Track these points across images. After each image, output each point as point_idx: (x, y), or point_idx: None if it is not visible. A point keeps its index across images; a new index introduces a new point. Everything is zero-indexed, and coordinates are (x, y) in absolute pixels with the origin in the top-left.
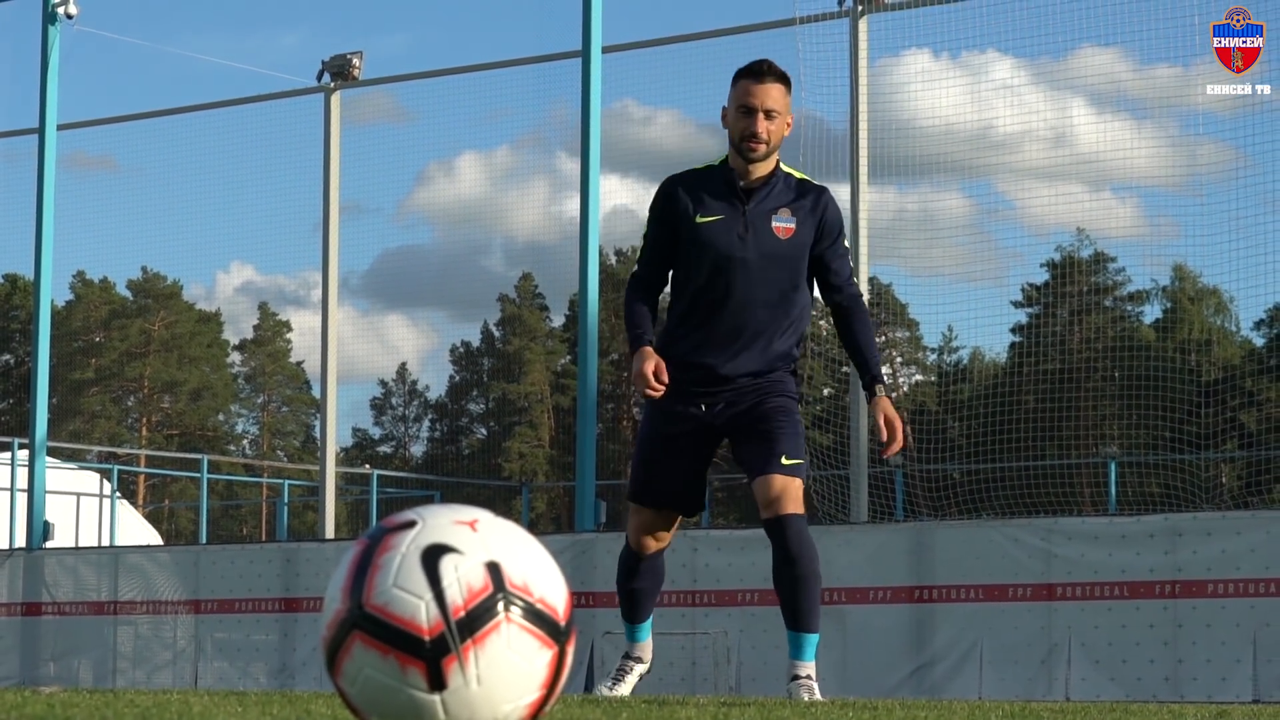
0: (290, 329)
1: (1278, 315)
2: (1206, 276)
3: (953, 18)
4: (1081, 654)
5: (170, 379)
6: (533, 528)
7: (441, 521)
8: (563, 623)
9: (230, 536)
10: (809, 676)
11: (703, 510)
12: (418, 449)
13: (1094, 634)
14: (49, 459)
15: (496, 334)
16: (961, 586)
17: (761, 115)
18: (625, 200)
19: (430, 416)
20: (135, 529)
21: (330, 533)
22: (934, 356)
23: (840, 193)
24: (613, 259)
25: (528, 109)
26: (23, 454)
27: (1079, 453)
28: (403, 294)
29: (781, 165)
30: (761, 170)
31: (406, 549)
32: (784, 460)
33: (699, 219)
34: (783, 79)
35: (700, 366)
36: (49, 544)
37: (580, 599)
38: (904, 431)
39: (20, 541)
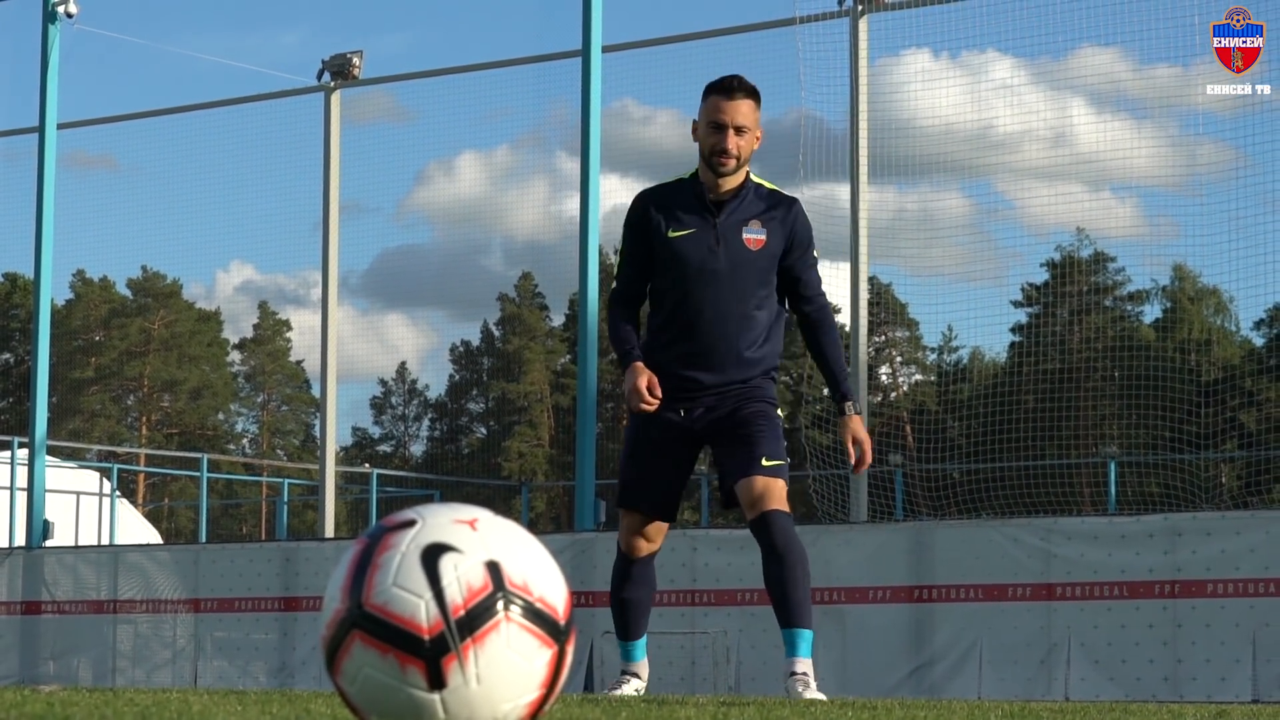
0: (290, 328)
1: (1277, 315)
2: (1206, 276)
3: (952, 17)
4: (1081, 654)
5: (170, 378)
6: (532, 527)
7: (441, 520)
8: (562, 622)
9: (230, 535)
10: (805, 673)
11: (675, 519)
12: (417, 448)
13: (1093, 634)
14: (49, 458)
15: (496, 333)
16: (961, 586)
17: (732, 131)
18: (625, 200)
19: (430, 416)
20: (135, 528)
21: (330, 532)
22: (934, 356)
23: (840, 192)
24: (612, 258)
25: (527, 108)
26: (22, 453)
27: (1079, 452)
28: (402, 293)
29: (751, 176)
30: (731, 183)
31: (406, 548)
32: (764, 462)
33: (671, 234)
34: (752, 94)
35: (680, 377)
36: (49, 543)
37: (580, 598)
38: (871, 452)
39: (20, 540)
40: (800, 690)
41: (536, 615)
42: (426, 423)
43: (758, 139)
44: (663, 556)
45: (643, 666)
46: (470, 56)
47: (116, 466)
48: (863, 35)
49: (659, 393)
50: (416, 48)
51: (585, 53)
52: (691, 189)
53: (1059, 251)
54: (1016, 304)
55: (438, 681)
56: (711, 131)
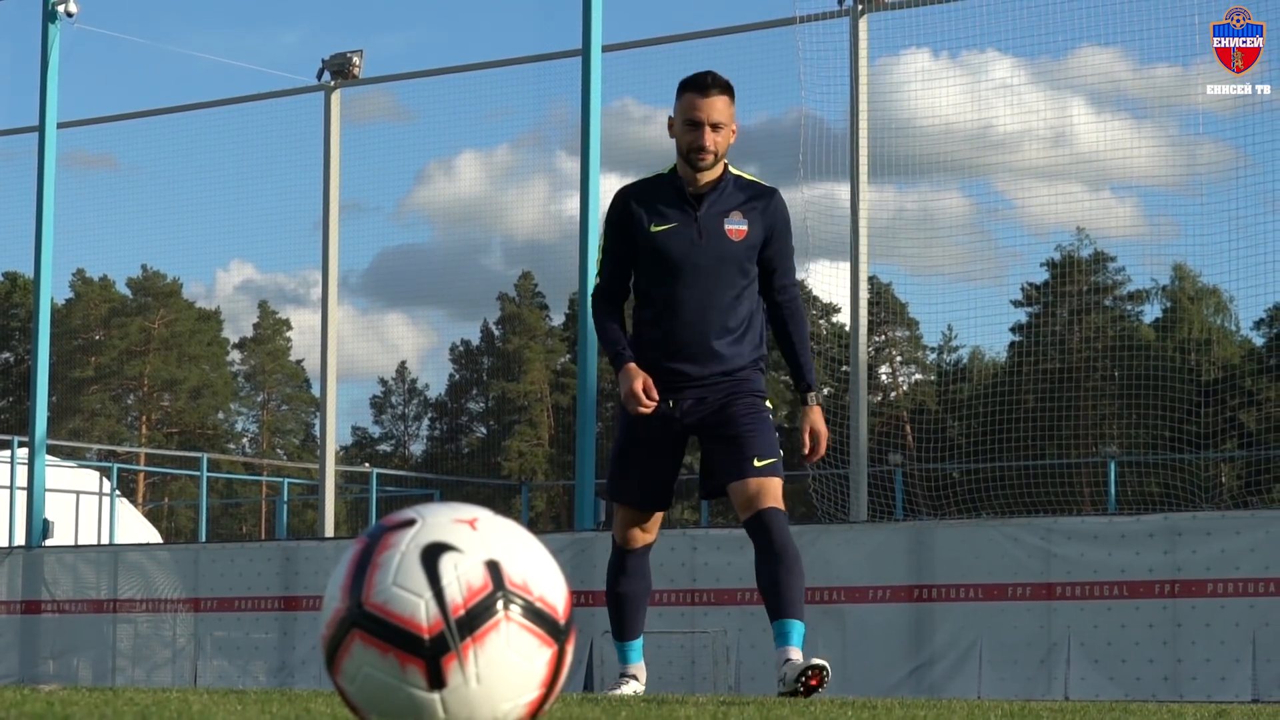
0: (290, 327)
1: (1277, 315)
2: (1206, 276)
3: (952, 17)
4: (1081, 653)
5: (170, 377)
6: (532, 526)
7: (441, 520)
8: (562, 621)
9: (230, 535)
10: (799, 660)
11: (670, 506)
12: (417, 447)
13: (1093, 633)
14: (49, 457)
15: (496, 333)
16: (961, 586)
17: (708, 128)
18: None
19: (430, 415)
20: (135, 527)
21: (330, 531)
22: (934, 356)
23: (840, 192)
24: None
25: (527, 108)
26: (22, 452)
27: (1078, 452)
28: (402, 292)
29: (730, 168)
30: (710, 175)
31: (406, 547)
32: (757, 463)
33: (653, 228)
34: (726, 90)
35: (667, 370)
36: (48, 542)
37: (580, 598)
38: (825, 446)
39: (20, 539)
40: (797, 666)
41: (536, 615)
42: (426, 422)
43: (733, 133)
44: (663, 556)
45: (640, 668)
46: (470, 56)
47: (116, 466)
48: (863, 35)
49: (655, 395)
50: (417, 47)
51: (585, 52)
52: (671, 183)
53: (1059, 251)
54: (1016, 304)
55: (437, 681)
56: (688, 129)
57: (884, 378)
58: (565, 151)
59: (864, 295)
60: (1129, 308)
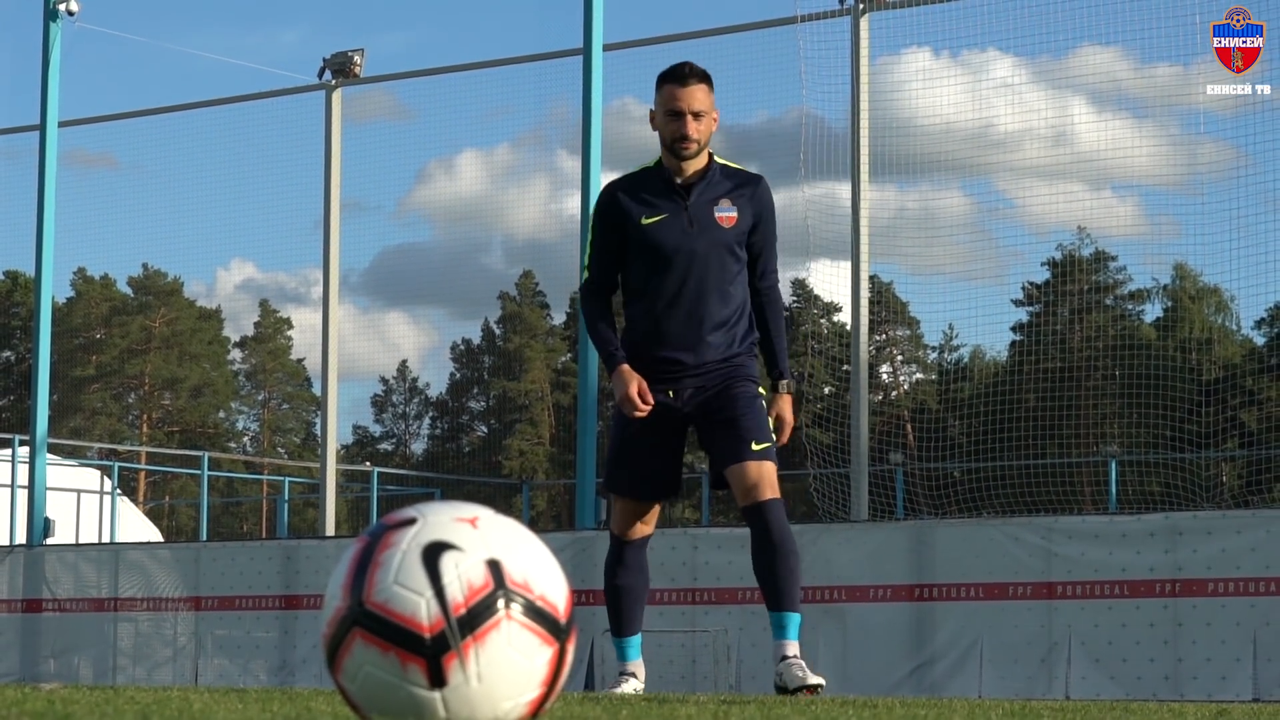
0: (291, 326)
1: (1278, 314)
2: (1207, 275)
3: (953, 16)
4: (1081, 652)
5: (171, 376)
6: (533, 525)
7: (442, 519)
8: (563, 620)
9: (231, 533)
10: (796, 656)
11: (679, 494)
12: (418, 446)
13: (1094, 632)
14: (49, 456)
15: (497, 331)
16: (962, 585)
17: (690, 117)
18: None
19: (431, 414)
20: (136, 526)
21: (331, 530)
22: (934, 355)
23: (841, 191)
24: None
25: (528, 107)
26: (23, 451)
27: (1079, 451)
28: (403, 291)
29: (716, 158)
30: (696, 165)
31: (407, 546)
32: (754, 446)
33: (644, 220)
34: (705, 79)
35: (664, 360)
36: (49, 541)
37: (581, 597)
38: (797, 427)
39: (21, 538)
40: (796, 673)
41: (537, 613)
42: (427, 421)
43: (715, 121)
44: (664, 555)
45: (639, 666)
46: (471, 55)
47: (117, 464)
48: (864, 34)
49: (650, 399)
50: (417, 46)
51: (586, 51)
52: (659, 175)
53: (1060, 250)
54: (1017, 303)
55: (438, 679)
56: (670, 119)
57: (885, 377)
58: (566, 150)
59: (865, 294)
60: (1130, 307)
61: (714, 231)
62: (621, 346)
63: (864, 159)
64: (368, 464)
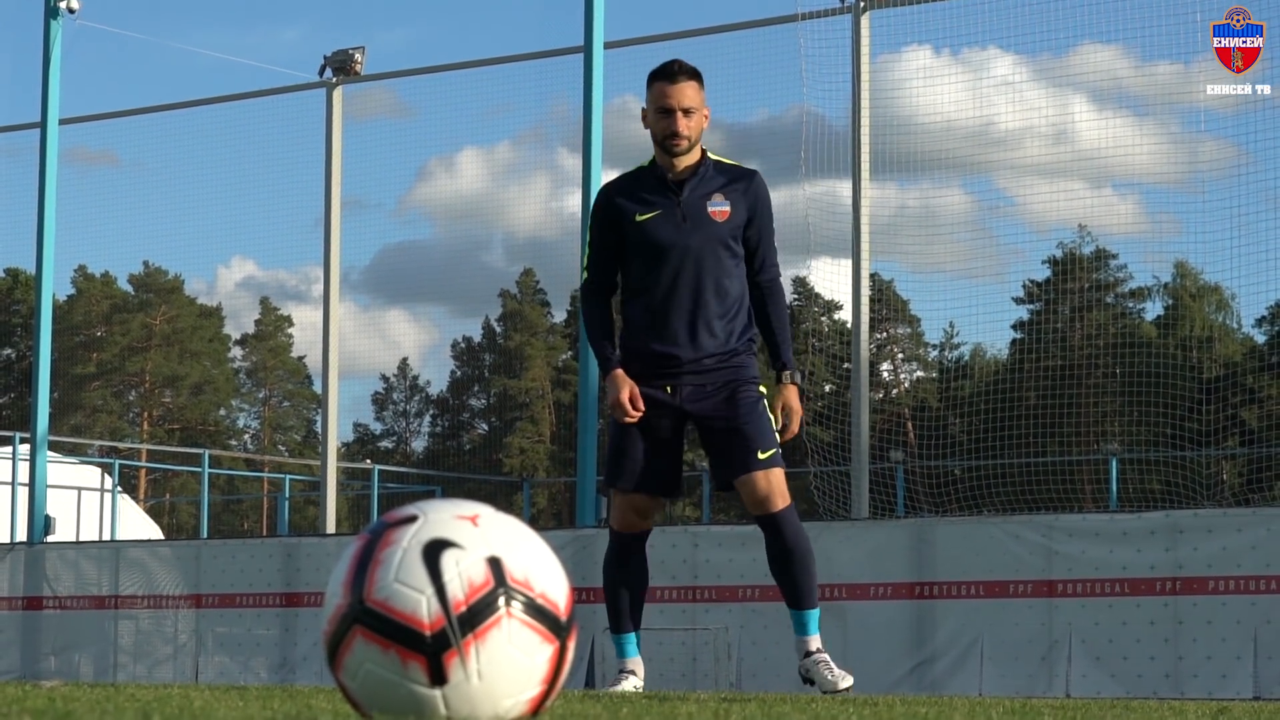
0: (291, 324)
1: (1279, 312)
2: (1208, 273)
3: (954, 14)
4: (1082, 651)
5: (171, 373)
6: (534, 523)
7: (443, 516)
8: (564, 618)
9: (231, 531)
10: (820, 649)
11: (680, 492)
12: (419, 444)
13: (1095, 631)
14: (50, 453)
15: (498, 329)
16: (962, 583)
17: (680, 114)
18: None
19: (431, 412)
20: (136, 523)
21: (331, 528)
22: (935, 353)
23: (842, 189)
24: None
25: (529, 105)
26: (24, 448)
27: (1080, 449)
28: (404, 289)
29: (709, 154)
30: (688, 161)
31: (408, 544)
32: (760, 455)
33: (639, 218)
34: (695, 76)
35: (662, 355)
36: (50, 538)
37: (581, 594)
38: (801, 423)
39: (21, 536)
40: (830, 678)
41: (538, 611)
42: (428, 419)
43: (706, 117)
44: (664, 553)
45: (638, 663)
46: (472, 53)
47: (118, 462)
48: (864, 32)
49: (641, 405)
50: (418, 44)
51: (587, 49)
52: (652, 173)
53: (1060, 248)
54: (1018, 301)
55: (439, 677)
56: (661, 117)
57: (885, 375)
58: (567, 148)
59: (865, 292)
60: (1131, 305)
61: (708, 226)
62: (620, 344)
63: (865, 157)
64: (368, 461)
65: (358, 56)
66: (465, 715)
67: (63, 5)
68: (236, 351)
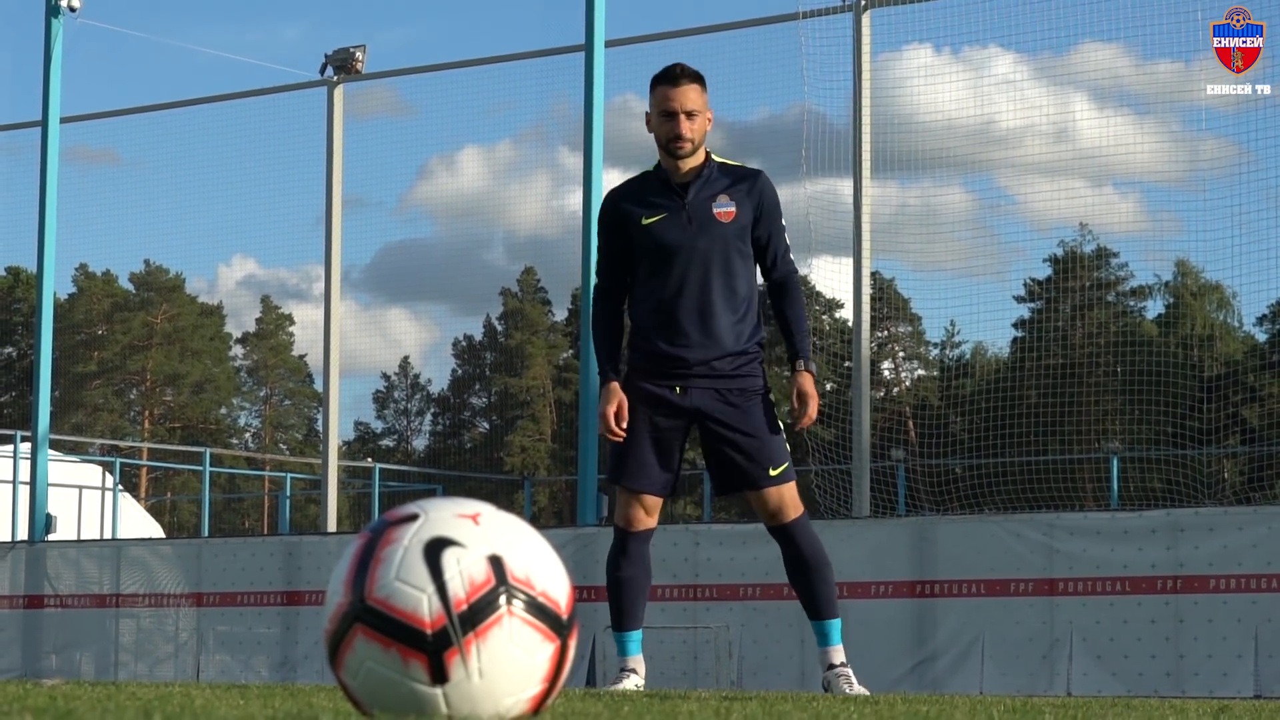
0: (292, 322)
1: None
2: (1209, 272)
3: (954, 13)
4: (1083, 649)
5: (172, 372)
6: (535, 522)
7: (444, 515)
8: (565, 616)
9: (232, 530)
10: (844, 664)
11: (679, 493)
12: (420, 442)
13: (1096, 629)
14: (51, 452)
15: (498, 328)
16: (963, 581)
17: (683, 117)
18: None
19: (432, 410)
20: (137, 522)
21: (332, 526)
22: (936, 351)
23: (843, 187)
24: None
25: (530, 103)
26: (25, 447)
27: (1081, 448)
28: (405, 288)
29: (713, 156)
30: (692, 163)
31: (409, 542)
32: (772, 472)
33: (645, 221)
34: (697, 79)
35: (671, 356)
36: (51, 537)
37: (582, 593)
38: (816, 409)
39: (22, 534)
40: (846, 689)
41: (539, 610)
42: (429, 417)
43: (709, 120)
44: (665, 551)
45: (639, 662)
46: (473, 51)
47: (119, 460)
48: (865, 31)
49: (625, 423)
50: (419, 42)
51: (588, 47)
52: (657, 177)
53: (1061, 247)
54: (1019, 299)
55: (440, 676)
56: (664, 120)
57: (886, 373)
58: (567, 147)
59: (866, 291)
60: (1131, 303)
61: (714, 227)
62: (630, 343)
63: (865, 155)
64: (369, 460)
65: (359, 55)
66: (466, 714)
67: (64, 3)
68: (237, 350)
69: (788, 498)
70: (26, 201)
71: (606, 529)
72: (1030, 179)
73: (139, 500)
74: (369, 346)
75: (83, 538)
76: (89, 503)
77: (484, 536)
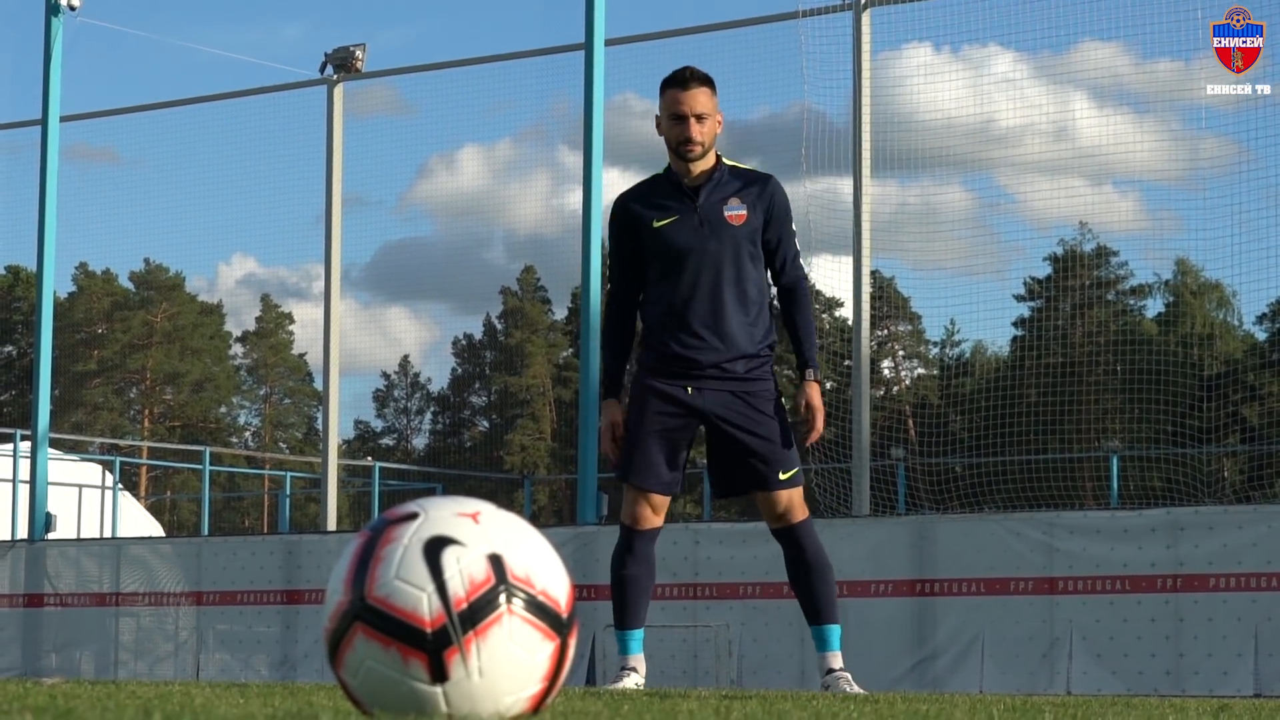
0: (292, 321)
1: None
2: (1209, 271)
3: (954, 11)
4: (1083, 648)
5: (172, 371)
6: (535, 520)
7: (444, 513)
8: (565, 615)
9: (232, 528)
10: (842, 668)
11: (680, 491)
12: (420, 441)
13: (1096, 628)
14: (51, 451)
15: (498, 327)
16: (963, 580)
17: (693, 120)
18: None
19: (432, 409)
20: (137, 520)
21: (332, 525)
22: (936, 350)
23: (842, 186)
24: None
25: (530, 102)
26: (25, 445)
27: (1081, 446)
28: (405, 286)
29: (723, 160)
30: (703, 166)
31: (409, 541)
32: (781, 476)
33: (656, 224)
34: (706, 82)
35: (684, 358)
36: (51, 535)
37: (582, 592)
38: (823, 421)
39: (22, 533)
40: (843, 687)
41: (539, 608)
42: (429, 416)
43: (719, 123)
44: (665, 550)
45: (640, 660)
46: (473, 50)
47: (119, 459)
48: (865, 29)
49: (618, 440)
50: (419, 41)
51: (588, 46)
52: (668, 180)
53: (1061, 245)
54: (1019, 298)
55: (440, 674)
56: (674, 124)
57: (886, 372)
58: (567, 146)
59: (866, 289)
60: (1131, 302)
61: (725, 230)
62: (642, 342)
63: (865, 154)
64: (369, 459)
65: (359, 53)
66: (466, 712)
67: (64, 2)
68: (237, 349)
69: (796, 500)
70: (26, 200)
71: (606, 528)
72: (1030, 178)
73: (139, 499)
74: (369, 345)
75: (82, 536)
76: (89, 501)
77: (484, 535)
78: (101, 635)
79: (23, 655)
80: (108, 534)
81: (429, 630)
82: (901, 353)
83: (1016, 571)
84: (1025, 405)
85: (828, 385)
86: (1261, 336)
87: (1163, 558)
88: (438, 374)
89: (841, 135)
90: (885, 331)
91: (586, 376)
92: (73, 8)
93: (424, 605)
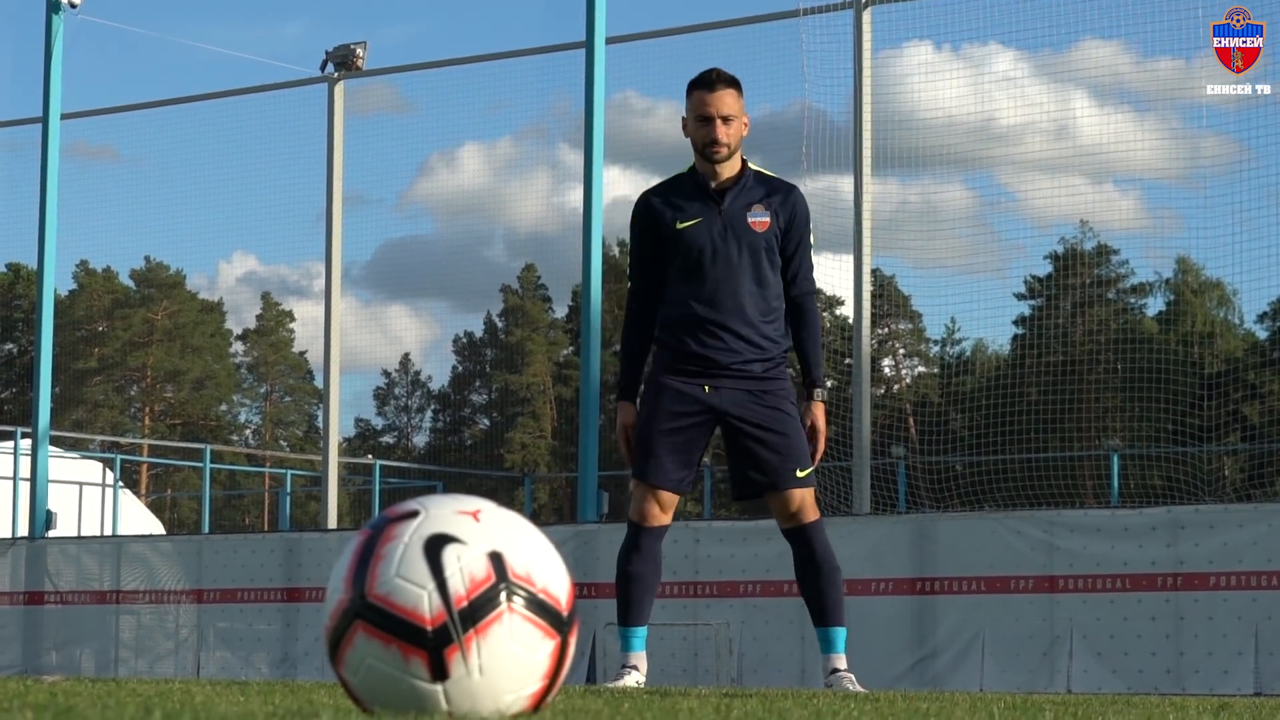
0: (293, 319)
1: None
2: (1210, 269)
3: (954, 10)
4: (1083, 646)
5: (173, 368)
6: (535, 518)
7: (444, 511)
8: (565, 613)
9: (233, 526)
10: (845, 669)
11: (691, 488)
12: (420, 439)
13: (1096, 626)
14: (51, 448)
15: (499, 325)
16: (963, 579)
17: (719, 122)
18: (627, 191)
19: (433, 407)
20: (138, 518)
21: (333, 523)
22: (936, 348)
23: (843, 185)
24: (615, 250)
25: (530, 100)
26: (25, 443)
27: (1081, 445)
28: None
29: (750, 165)
30: (729, 170)
31: (409, 539)
32: (798, 474)
33: (678, 225)
34: (733, 84)
35: (702, 356)
36: (51, 533)
37: (583, 590)
38: (824, 443)
39: (23, 531)
40: (846, 685)
41: (539, 606)
42: (429, 414)
43: (745, 125)
44: (665, 548)
45: (642, 659)
46: (473, 48)
47: (119, 457)
48: (866, 28)
49: (628, 444)
50: (420, 39)
51: (589, 44)
52: (692, 181)
53: (1062, 244)
54: (1019, 296)
55: (440, 672)
56: (700, 125)
57: (887, 370)
58: (568, 144)
59: (867, 288)
60: (1132, 301)
61: (747, 235)
62: (659, 341)
63: (866, 153)
64: (370, 457)
65: (359, 52)
66: (466, 710)
67: (64, 0)
68: (238, 347)
69: (808, 501)
70: (27, 198)
71: (607, 526)
72: (1031, 176)
73: (139, 497)
74: (369, 343)
75: (83, 534)
76: (89, 499)
77: (484, 533)
78: (102, 633)
79: (23, 653)
80: (108, 532)
81: (429, 628)
82: (902, 351)
83: (1017, 570)
84: (1026, 404)
85: (828, 383)
86: (1262, 335)
87: (1163, 556)
88: (438, 372)
89: (842, 133)
90: (886, 330)
91: (587, 374)
92: (73, 5)
93: (424, 603)
